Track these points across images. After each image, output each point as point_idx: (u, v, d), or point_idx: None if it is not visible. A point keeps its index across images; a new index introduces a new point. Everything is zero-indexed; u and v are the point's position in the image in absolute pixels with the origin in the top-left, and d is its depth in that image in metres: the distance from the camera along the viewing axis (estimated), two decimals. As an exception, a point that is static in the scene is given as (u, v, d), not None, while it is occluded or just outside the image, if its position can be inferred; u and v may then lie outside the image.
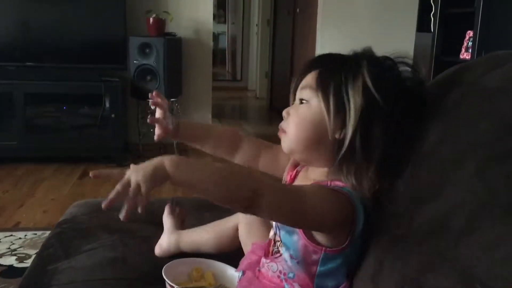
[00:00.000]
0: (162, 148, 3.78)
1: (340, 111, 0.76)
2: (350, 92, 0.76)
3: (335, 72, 0.78)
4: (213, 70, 4.07)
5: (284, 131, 0.84)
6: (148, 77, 3.45)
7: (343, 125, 0.77)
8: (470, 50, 3.28)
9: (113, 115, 3.34)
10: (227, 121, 5.30)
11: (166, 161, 0.70)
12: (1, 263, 1.93)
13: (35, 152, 3.35)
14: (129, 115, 3.69)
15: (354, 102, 0.75)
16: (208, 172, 0.71)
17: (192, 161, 0.73)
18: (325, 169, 0.83)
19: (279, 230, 0.85)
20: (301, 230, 0.79)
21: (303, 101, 0.81)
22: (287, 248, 0.83)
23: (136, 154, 3.65)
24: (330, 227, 0.76)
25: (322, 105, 0.78)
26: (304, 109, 0.81)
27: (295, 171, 0.90)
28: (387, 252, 0.73)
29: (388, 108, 0.75)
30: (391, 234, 0.75)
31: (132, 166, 0.70)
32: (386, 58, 0.81)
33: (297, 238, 0.80)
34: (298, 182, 0.87)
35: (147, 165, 0.69)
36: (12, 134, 3.30)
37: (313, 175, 0.85)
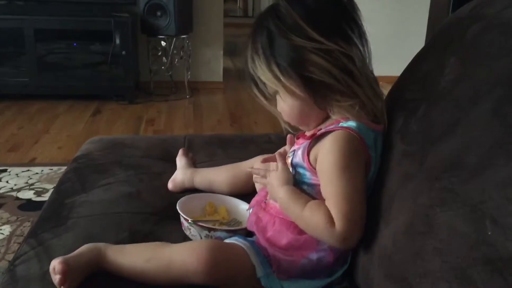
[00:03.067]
0: (173, 86, 3.77)
1: (289, 80, 0.80)
2: (267, 69, 0.81)
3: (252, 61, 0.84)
4: (224, 6, 3.97)
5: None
6: (158, 13, 3.38)
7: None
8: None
9: (123, 52, 3.31)
10: (238, 59, 5.23)
11: (281, 195, 0.84)
12: (20, 197, 1.99)
13: (48, 89, 3.35)
14: (140, 52, 3.66)
15: (281, 68, 0.80)
16: (297, 218, 0.82)
17: (292, 204, 0.82)
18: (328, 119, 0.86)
19: (294, 168, 0.87)
20: (314, 171, 0.83)
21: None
22: (301, 184, 0.85)
23: (147, 92, 3.65)
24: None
25: (283, 91, 0.83)
26: (282, 103, 0.86)
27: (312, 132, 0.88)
28: (398, 189, 0.74)
29: (300, 41, 0.78)
30: (402, 173, 0.75)
31: (272, 177, 0.86)
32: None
33: (310, 177, 0.84)
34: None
35: (277, 190, 0.85)
36: (23, 70, 3.30)
37: (322, 126, 0.86)
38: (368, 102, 0.81)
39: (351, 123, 0.80)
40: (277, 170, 0.86)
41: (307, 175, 0.84)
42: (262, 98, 0.88)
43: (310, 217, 0.79)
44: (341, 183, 0.77)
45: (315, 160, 0.83)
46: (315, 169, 0.83)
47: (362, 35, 0.82)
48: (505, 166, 0.57)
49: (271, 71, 0.81)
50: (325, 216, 0.76)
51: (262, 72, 0.82)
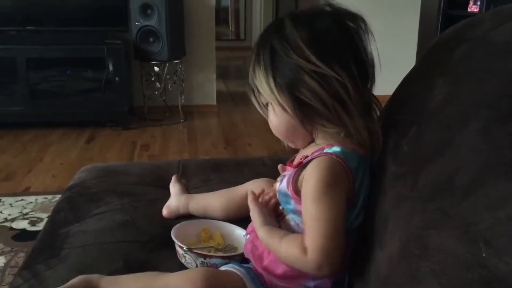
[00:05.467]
0: (167, 111, 3.78)
1: (281, 96, 0.82)
2: (266, 82, 0.83)
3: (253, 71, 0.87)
4: (216, 30, 4.01)
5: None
6: (151, 39, 3.42)
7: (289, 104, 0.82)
8: (478, 3, 3.20)
9: (117, 78, 3.33)
10: (231, 82, 5.26)
11: (260, 231, 0.86)
12: (14, 227, 1.98)
13: (41, 117, 3.36)
14: (133, 78, 3.68)
15: (274, 84, 0.82)
16: (277, 253, 0.83)
17: (271, 241, 0.84)
18: (313, 142, 0.87)
19: (280, 195, 0.87)
20: (299, 199, 0.82)
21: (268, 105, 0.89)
22: (288, 211, 0.86)
23: (141, 117, 3.66)
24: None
25: (274, 104, 0.85)
26: (272, 115, 0.87)
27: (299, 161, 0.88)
28: (391, 212, 0.74)
29: (292, 61, 0.79)
30: (395, 194, 0.75)
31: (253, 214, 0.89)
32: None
33: (294, 205, 0.83)
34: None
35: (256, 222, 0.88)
36: (17, 99, 3.31)
37: (307, 151, 0.86)
38: (355, 132, 0.81)
39: (335, 149, 0.80)
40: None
41: (291, 203, 0.84)
42: (256, 105, 0.90)
43: (286, 249, 0.80)
44: (316, 211, 0.76)
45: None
46: (300, 198, 0.82)
47: (367, 63, 0.82)
48: (495, 187, 0.57)
49: (267, 83, 0.83)
50: (298, 246, 0.77)
51: (260, 82, 0.85)
